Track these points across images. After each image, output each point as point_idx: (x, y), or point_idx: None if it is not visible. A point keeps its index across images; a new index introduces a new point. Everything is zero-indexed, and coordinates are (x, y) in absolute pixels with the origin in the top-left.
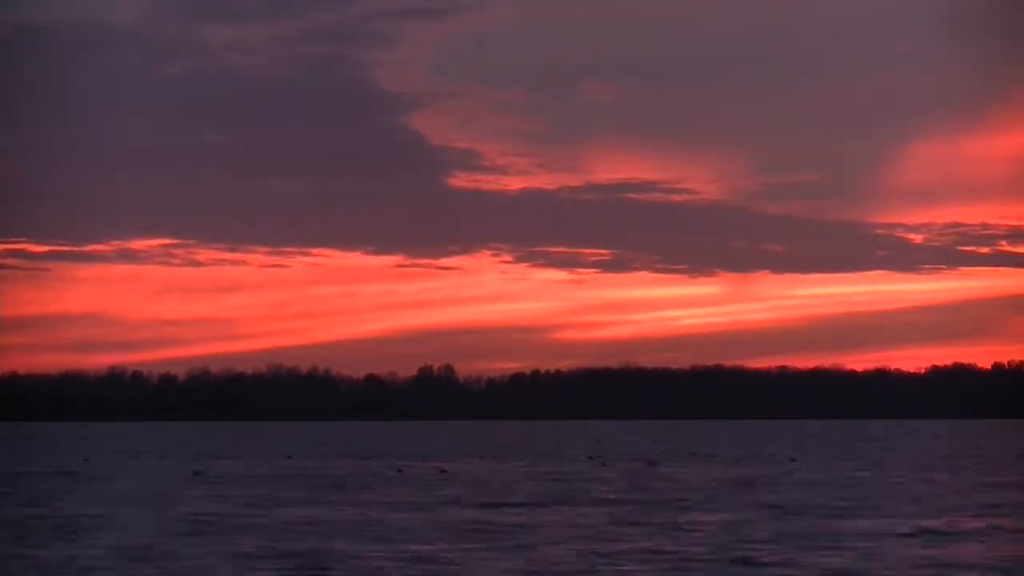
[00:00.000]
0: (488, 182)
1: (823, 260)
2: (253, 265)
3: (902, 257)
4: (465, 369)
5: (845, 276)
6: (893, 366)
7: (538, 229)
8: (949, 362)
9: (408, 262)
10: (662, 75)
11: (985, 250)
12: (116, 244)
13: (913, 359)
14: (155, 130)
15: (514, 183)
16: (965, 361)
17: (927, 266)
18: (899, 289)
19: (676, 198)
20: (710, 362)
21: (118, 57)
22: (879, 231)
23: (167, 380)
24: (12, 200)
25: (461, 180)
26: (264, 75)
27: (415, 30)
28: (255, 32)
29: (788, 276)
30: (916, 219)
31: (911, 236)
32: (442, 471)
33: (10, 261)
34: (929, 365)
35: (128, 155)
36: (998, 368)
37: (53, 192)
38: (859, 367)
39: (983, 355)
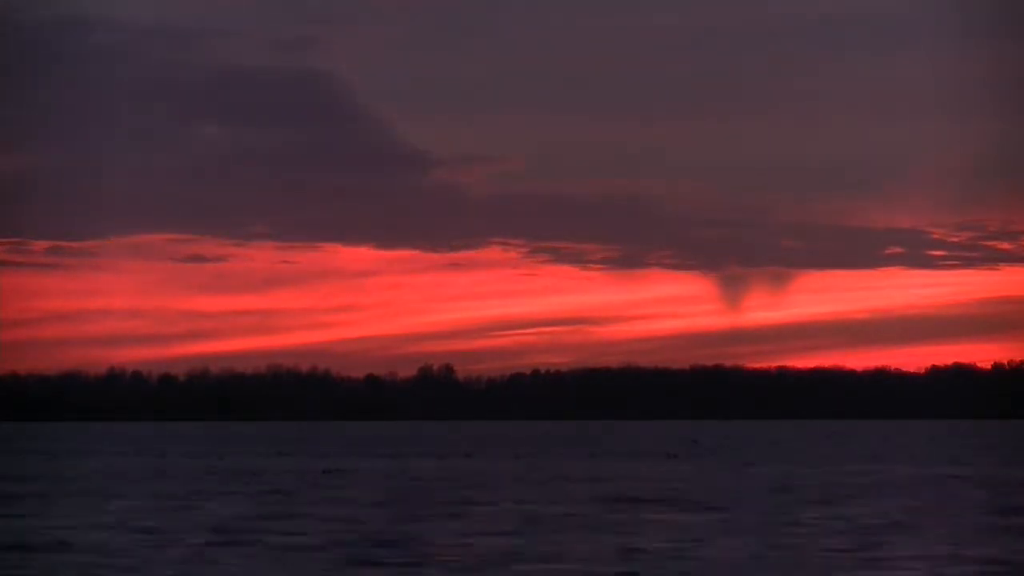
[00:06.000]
0: (493, 177)
1: (831, 258)
2: (260, 261)
3: (916, 255)
4: (466, 368)
5: (853, 274)
6: (893, 366)
7: (546, 225)
8: (949, 362)
9: (414, 257)
10: (669, 62)
11: (1007, 246)
12: (118, 240)
13: (913, 359)
14: (153, 123)
15: (520, 178)
16: (965, 361)
17: (940, 264)
18: (906, 288)
19: (683, 194)
20: (710, 362)
21: (102, 46)
22: (892, 228)
23: (167, 380)
24: (11, 197)
25: (466, 175)
26: (255, 64)
27: (402, 14)
28: (241, 17)
29: (793, 274)
30: (929, 216)
31: (924, 233)
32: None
33: (10, 258)
34: (929, 365)
35: (126, 149)
36: (998, 368)
37: (52, 188)
38: (859, 367)
39: (983, 355)
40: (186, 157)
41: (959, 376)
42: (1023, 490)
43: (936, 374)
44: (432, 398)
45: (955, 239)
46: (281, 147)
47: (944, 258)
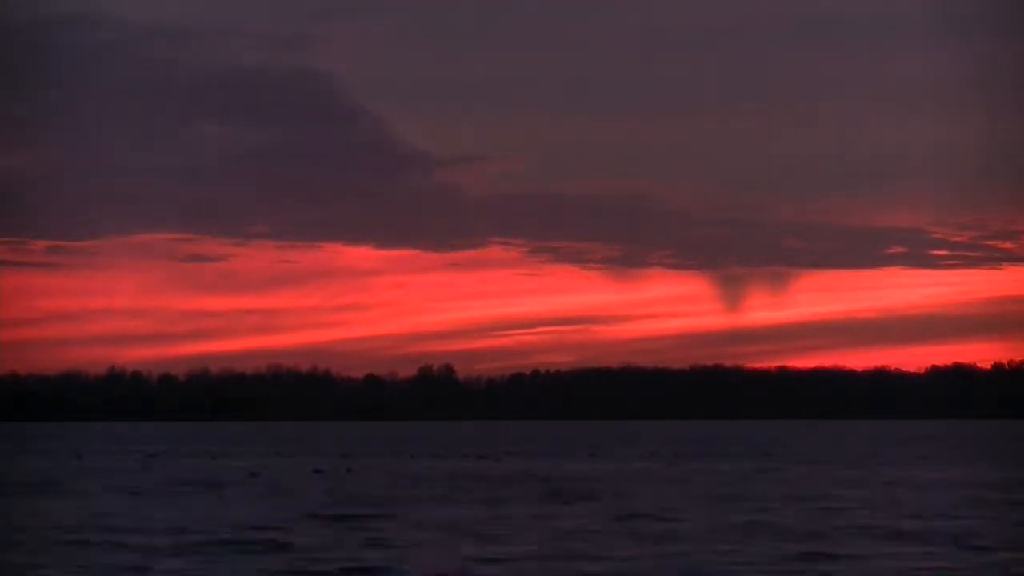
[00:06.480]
0: (494, 177)
1: (832, 258)
2: (261, 261)
3: (917, 254)
4: (466, 368)
5: (854, 274)
6: (893, 366)
7: (546, 225)
8: (949, 362)
9: (414, 257)
10: (669, 62)
11: (1009, 245)
12: (118, 240)
13: (913, 359)
14: (153, 123)
15: (520, 178)
16: (965, 361)
17: (942, 263)
18: (908, 288)
19: (683, 194)
20: (710, 362)
21: (102, 45)
22: (893, 228)
23: (167, 380)
24: (11, 197)
25: (466, 175)
26: (255, 64)
27: (402, 14)
28: (241, 16)
29: (794, 274)
30: (931, 216)
31: (926, 233)
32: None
33: (10, 258)
34: (929, 365)
35: (126, 149)
36: (998, 368)
37: (52, 188)
38: (859, 367)
39: (983, 355)
40: (186, 157)
41: (959, 376)
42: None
43: (936, 374)
44: (432, 398)
45: (957, 239)
46: (281, 146)
47: (946, 258)
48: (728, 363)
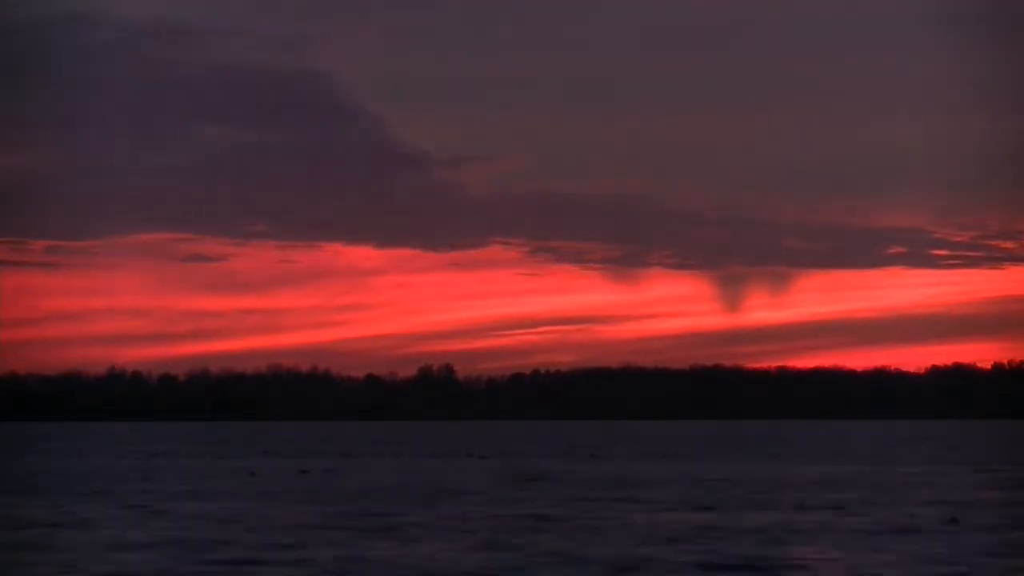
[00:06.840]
0: (494, 177)
1: (833, 258)
2: (261, 261)
3: (918, 254)
4: (466, 368)
5: (854, 274)
6: (893, 366)
7: (546, 225)
8: (949, 362)
9: (414, 256)
10: (669, 62)
11: (1010, 245)
12: (118, 240)
13: (913, 359)
14: (153, 123)
15: (520, 178)
16: (965, 361)
17: (942, 263)
18: (908, 288)
19: (683, 194)
20: (710, 362)
21: (102, 45)
22: (894, 228)
23: (167, 380)
24: (11, 197)
25: (466, 175)
26: (255, 63)
27: (402, 14)
28: (241, 16)
29: (794, 274)
30: (931, 216)
31: (926, 232)
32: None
33: (10, 258)
34: (929, 365)
35: (126, 149)
36: (998, 368)
37: (52, 188)
38: (859, 367)
39: (983, 355)
40: (186, 157)
41: (959, 376)
42: None
43: (936, 374)
44: (432, 398)
45: (957, 238)
46: (281, 146)
47: (946, 258)
48: (728, 363)
